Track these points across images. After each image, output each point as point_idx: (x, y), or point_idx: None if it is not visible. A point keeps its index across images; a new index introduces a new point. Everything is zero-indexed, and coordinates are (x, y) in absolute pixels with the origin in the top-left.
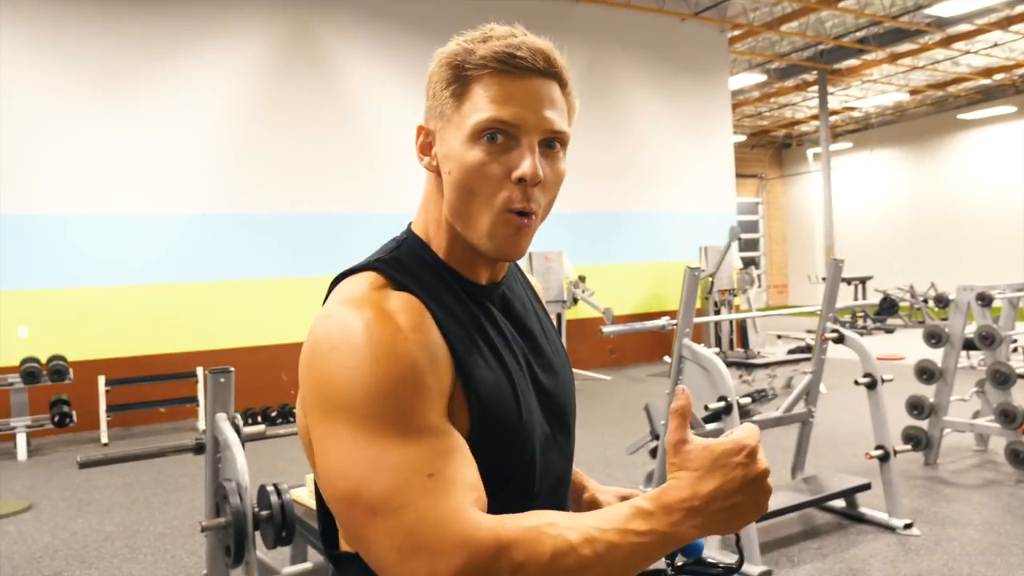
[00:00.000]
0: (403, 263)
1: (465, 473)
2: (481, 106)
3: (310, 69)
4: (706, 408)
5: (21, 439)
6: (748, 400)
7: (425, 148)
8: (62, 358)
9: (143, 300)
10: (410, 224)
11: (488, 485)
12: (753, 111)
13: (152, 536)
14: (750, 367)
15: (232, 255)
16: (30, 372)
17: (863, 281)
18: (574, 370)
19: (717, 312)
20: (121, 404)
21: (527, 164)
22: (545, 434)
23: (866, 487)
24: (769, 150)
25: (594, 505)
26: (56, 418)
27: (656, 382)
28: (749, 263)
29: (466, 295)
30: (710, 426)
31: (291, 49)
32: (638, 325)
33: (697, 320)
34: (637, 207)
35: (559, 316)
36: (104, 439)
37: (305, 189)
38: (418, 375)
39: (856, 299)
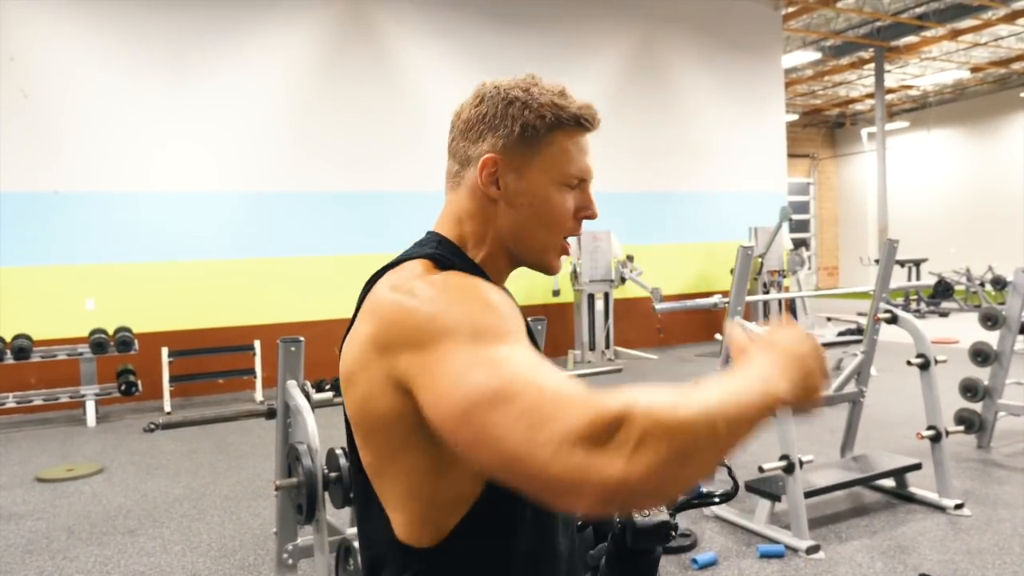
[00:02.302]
0: (447, 257)
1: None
2: (572, 158)
3: (364, 48)
4: None
5: (91, 406)
6: None
7: (494, 179)
8: (128, 330)
9: (204, 275)
10: (432, 232)
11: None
12: (806, 90)
13: (218, 499)
14: None
15: (289, 232)
16: (98, 343)
17: (917, 264)
18: (621, 348)
19: (766, 293)
20: (182, 375)
21: (594, 207)
22: None
23: (917, 467)
24: (822, 129)
25: None
26: (123, 387)
27: (703, 362)
28: (799, 244)
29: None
30: None
31: (346, 29)
32: (690, 303)
33: (748, 299)
34: (687, 187)
35: (607, 295)
36: (168, 408)
37: (359, 168)
38: (515, 306)
39: (910, 281)
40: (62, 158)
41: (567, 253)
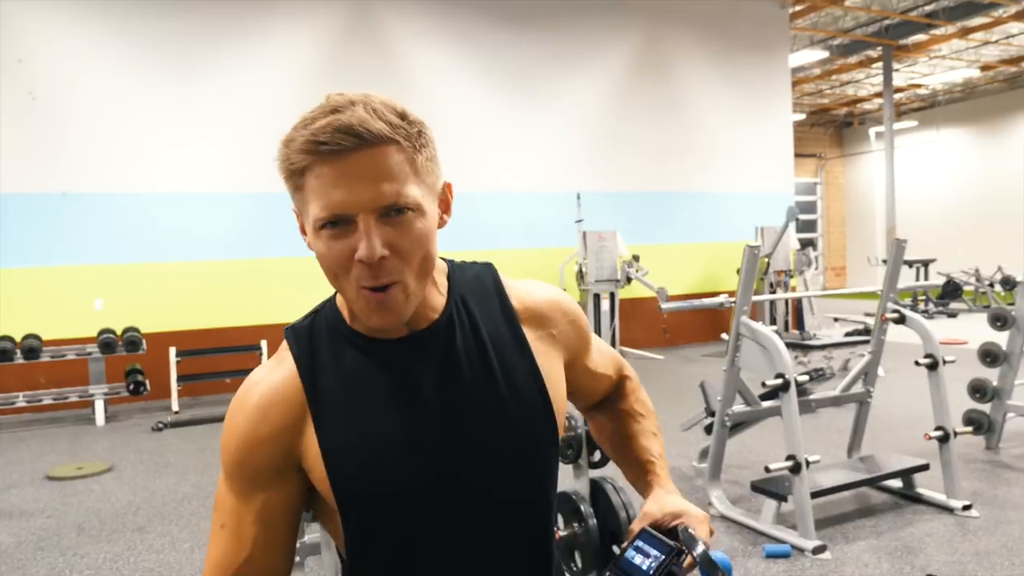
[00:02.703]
0: (311, 331)
1: (233, 549)
2: (313, 201)
3: (370, 48)
4: (763, 385)
5: (99, 406)
6: (806, 378)
7: (302, 230)
8: (136, 330)
9: (211, 275)
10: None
11: (368, 541)
12: (813, 89)
13: None
14: (806, 348)
15: (296, 232)
16: (107, 343)
17: (925, 264)
18: (627, 348)
19: (772, 293)
20: (190, 374)
21: (362, 247)
22: (455, 492)
23: (924, 468)
24: (829, 129)
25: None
26: (131, 386)
27: (709, 362)
28: (806, 244)
29: (364, 356)
30: (767, 403)
31: (352, 29)
32: (696, 302)
33: (754, 299)
34: (693, 186)
35: (612, 295)
36: (175, 407)
37: None
38: (237, 452)
39: (918, 282)
40: (70, 159)
41: (382, 303)
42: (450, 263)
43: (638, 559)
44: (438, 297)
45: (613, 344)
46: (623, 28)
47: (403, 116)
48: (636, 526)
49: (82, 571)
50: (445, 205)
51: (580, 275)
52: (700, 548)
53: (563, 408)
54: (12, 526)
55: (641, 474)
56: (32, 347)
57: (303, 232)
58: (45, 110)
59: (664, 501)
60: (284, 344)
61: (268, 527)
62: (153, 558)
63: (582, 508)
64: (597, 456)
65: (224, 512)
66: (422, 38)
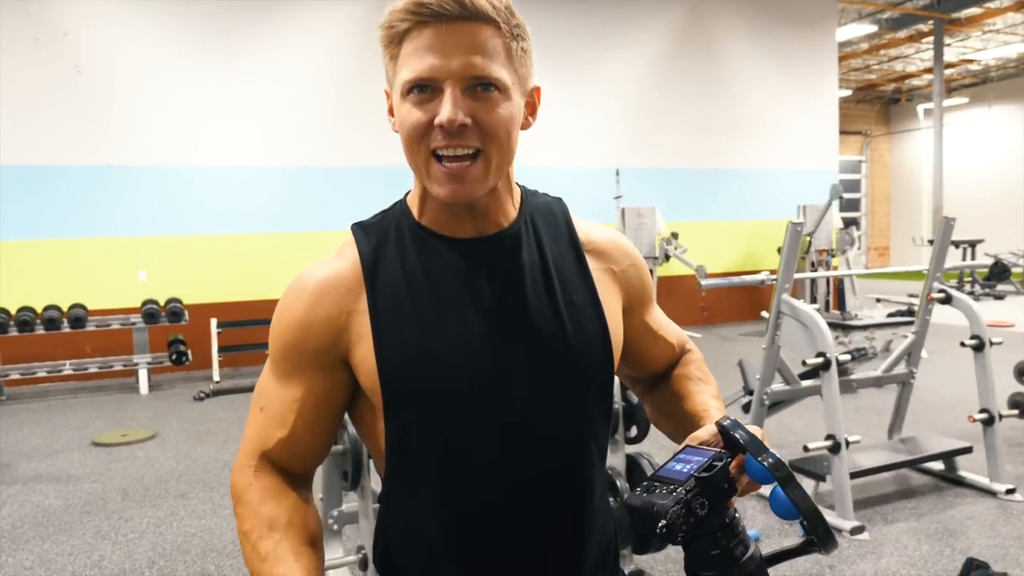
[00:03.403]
0: (379, 226)
1: (277, 426)
2: (406, 63)
3: None
4: (804, 364)
5: (143, 375)
6: (847, 358)
7: (390, 111)
8: (178, 301)
9: (252, 248)
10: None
11: (410, 446)
12: (861, 64)
13: None
14: (847, 328)
15: (334, 205)
16: (150, 313)
17: (973, 245)
18: None
19: (814, 272)
20: (231, 345)
21: (444, 110)
22: (504, 408)
23: (967, 450)
24: (876, 105)
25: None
26: (174, 356)
27: (747, 341)
28: (850, 223)
29: (429, 254)
30: (807, 382)
31: (387, 4)
32: (736, 279)
33: (796, 277)
34: (734, 163)
35: (651, 273)
36: (216, 377)
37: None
38: (290, 335)
39: (964, 262)
40: (114, 132)
41: (452, 174)
42: (523, 187)
43: (678, 467)
44: (511, 208)
45: None
46: (664, 2)
47: (508, 7)
48: (680, 447)
49: (127, 534)
50: (531, 107)
51: None
52: (747, 436)
53: (619, 344)
54: (60, 490)
55: (696, 420)
56: (78, 316)
57: (391, 113)
58: (90, 84)
59: (712, 426)
60: (348, 239)
61: (309, 414)
62: (195, 523)
63: (618, 484)
64: (634, 432)
65: (265, 396)
66: None
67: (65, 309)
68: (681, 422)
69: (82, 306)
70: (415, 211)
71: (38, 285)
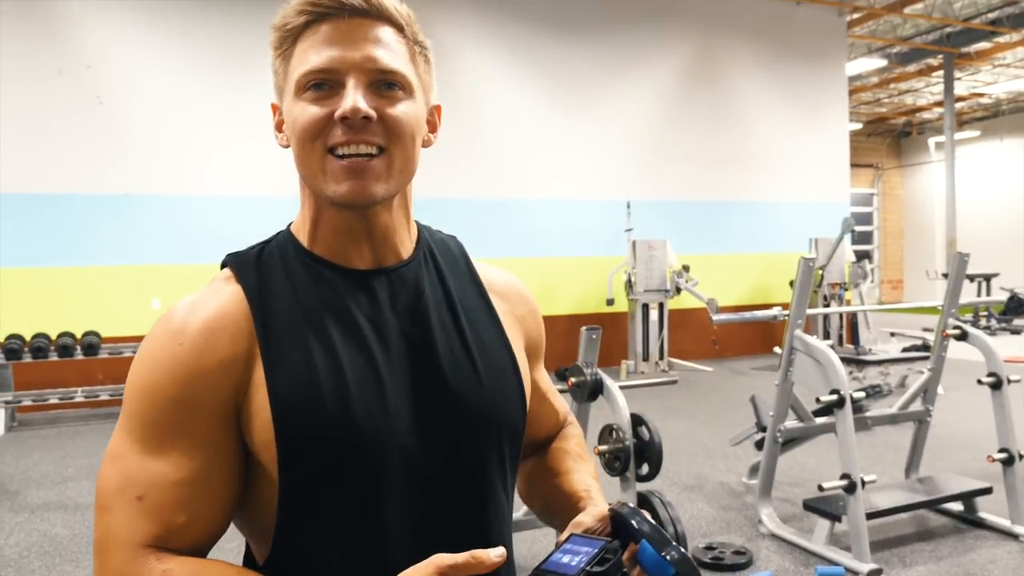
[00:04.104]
0: (259, 256)
1: (174, 511)
2: (302, 59)
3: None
4: (817, 401)
5: None
6: (862, 395)
7: (278, 126)
8: None
9: None
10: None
11: (308, 507)
12: (871, 97)
13: None
14: (861, 364)
15: None
16: None
17: (987, 278)
18: (676, 360)
19: (826, 307)
20: None
21: (346, 101)
22: (408, 456)
23: (987, 491)
24: (887, 138)
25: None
26: None
27: (759, 375)
28: (862, 256)
29: (323, 285)
30: (820, 420)
31: None
32: (749, 315)
33: (808, 312)
34: (745, 196)
35: (661, 306)
36: None
37: (418, 174)
38: (177, 387)
39: (980, 297)
40: (132, 161)
41: (354, 169)
42: (417, 222)
43: (565, 559)
44: (408, 238)
45: (661, 355)
46: (675, 36)
47: (411, 15)
48: (563, 535)
49: None
50: (432, 125)
51: (629, 284)
52: (646, 526)
53: (530, 388)
54: (68, 519)
55: (574, 502)
56: (92, 343)
57: (277, 129)
58: (111, 114)
59: (599, 510)
60: (221, 273)
61: (216, 485)
62: None
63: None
64: (645, 469)
65: (138, 479)
66: (474, 46)
67: (79, 336)
68: (557, 501)
69: (95, 333)
70: (304, 239)
71: (52, 312)
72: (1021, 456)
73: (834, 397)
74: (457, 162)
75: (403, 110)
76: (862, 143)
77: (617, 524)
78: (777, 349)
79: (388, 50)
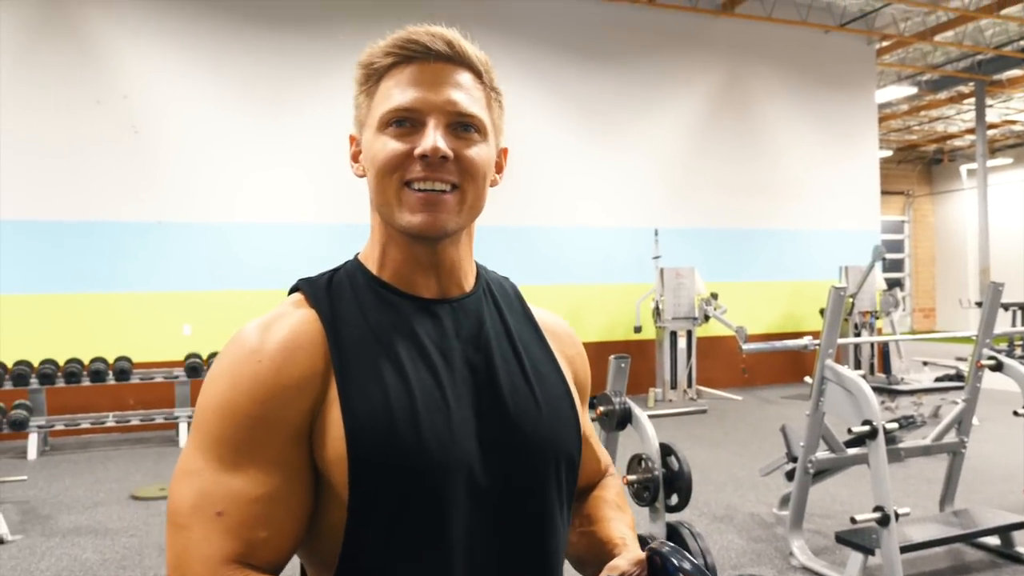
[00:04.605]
0: (331, 283)
1: (254, 527)
2: (387, 97)
3: None
4: (849, 432)
5: (183, 428)
6: (895, 426)
7: (355, 156)
8: None
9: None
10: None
11: (377, 526)
12: (901, 125)
13: None
14: (893, 393)
15: None
16: (193, 367)
17: (1022, 307)
18: (704, 388)
19: (857, 335)
20: None
21: (427, 140)
22: (473, 478)
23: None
24: (917, 166)
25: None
26: None
27: (789, 404)
28: (893, 284)
29: (392, 311)
30: (852, 451)
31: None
32: (779, 344)
33: (840, 342)
34: (774, 224)
35: (689, 333)
36: None
37: None
38: (256, 405)
39: (1015, 326)
40: (167, 189)
41: (428, 202)
42: (475, 261)
43: None
44: (470, 273)
45: (689, 383)
46: (703, 64)
47: (488, 62)
48: None
49: None
50: (499, 166)
51: (657, 312)
52: (687, 564)
53: (583, 425)
54: (98, 543)
55: (609, 548)
56: (123, 369)
57: (353, 159)
58: (146, 143)
59: (635, 554)
60: (290, 298)
61: (295, 502)
62: None
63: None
64: (675, 500)
65: (216, 495)
66: (502, 72)
67: (111, 361)
68: (592, 547)
69: (127, 359)
70: (373, 267)
71: (84, 338)
72: None
73: (866, 428)
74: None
75: (477, 152)
76: (892, 170)
77: (654, 566)
78: (808, 379)
79: (467, 94)
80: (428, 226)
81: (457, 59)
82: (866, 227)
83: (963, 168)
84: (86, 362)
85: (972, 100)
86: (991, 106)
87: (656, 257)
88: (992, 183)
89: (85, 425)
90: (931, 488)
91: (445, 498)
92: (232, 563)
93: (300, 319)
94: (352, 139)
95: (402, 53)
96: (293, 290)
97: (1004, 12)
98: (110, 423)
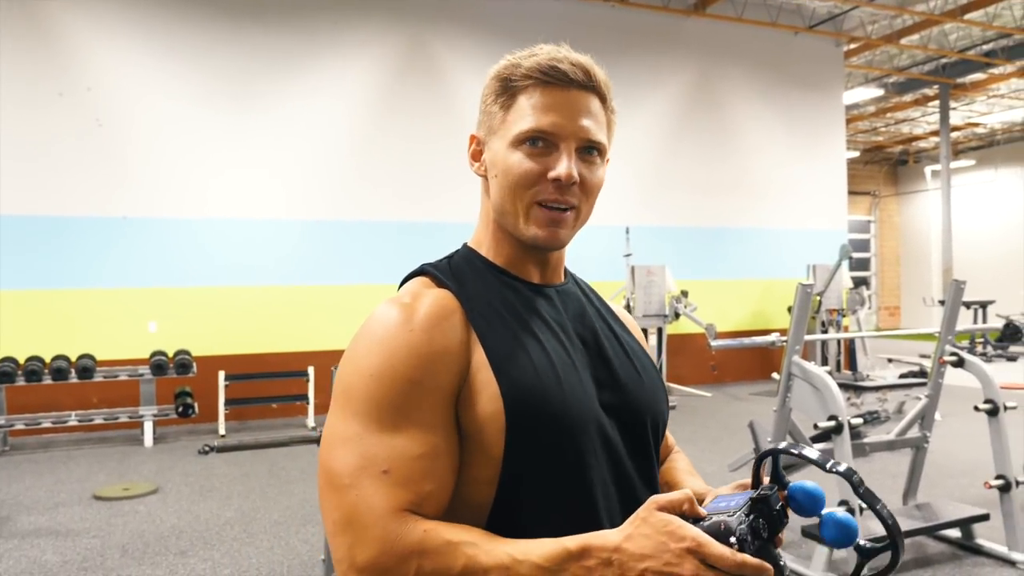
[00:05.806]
0: (451, 267)
1: (420, 481)
2: (525, 115)
3: (426, 80)
4: (815, 427)
5: (148, 427)
6: (859, 421)
7: (476, 155)
8: (187, 352)
9: (262, 301)
10: (465, 243)
11: (530, 476)
12: (868, 126)
13: (268, 524)
14: (859, 390)
15: (347, 260)
16: (159, 365)
17: (984, 305)
18: (674, 385)
19: (825, 332)
20: (237, 399)
21: (563, 166)
22: (604, 432)
23: (984, 518)
24: (884, 167)
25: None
26: (180, 409)
27: (758, 400)
28: (860, 283)
29: (511, 290)
30: (819, 445)
31: (405, 62)
32: (747, 340)
33: (806, 338)
34: (744, 223)
35: (660, 331)
36: (222, 431)
37: (421, 197)
38: (413, 369)
39: (976, 324)
40: (131, 184)
41: (555, 219)
42: None
43: (723, 504)
44: (564, 267)
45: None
46: (676, 65)
47: (608, 85)
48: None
49: None
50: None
51: (628, 309)
52: (811, 452)
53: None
54: (58, 545)
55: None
56: (86, 367)
57: (474, 158)
58: (110, 137)
59: (734, 484)
60: (415, 281)
61: (452, 458)
62: None
63: None
64: None
65: (379, 455)
66: (476, 70)
67: (74, 359)
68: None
69: (91, 356)
70: (488, 254)
71: (49, 334)
72: (1018, 482)
73: (832, 423)
74: (463, 185)
75: (598, 175)
76: (859, 171)
77: (768, 465)
78: (775, 375)
79: (595, 121)
80: (550, 241)
81: (592, 87)
82: (833, 226)
83: (928, 169)
84: (48, 360)
85: (937, 103)
86: (955, 109)
87: (627, 255)
88: (955, 184)
89: (46, 424)
90: (895, 482)
91: (587, 450)
92: (406, 511)
93: (439, 295)
94: (473, 138)
95: (543, 78)
96: (413, 275)
97: (967, 17)
98: (72, 422)
